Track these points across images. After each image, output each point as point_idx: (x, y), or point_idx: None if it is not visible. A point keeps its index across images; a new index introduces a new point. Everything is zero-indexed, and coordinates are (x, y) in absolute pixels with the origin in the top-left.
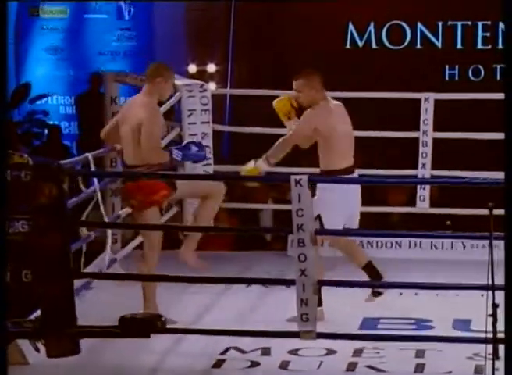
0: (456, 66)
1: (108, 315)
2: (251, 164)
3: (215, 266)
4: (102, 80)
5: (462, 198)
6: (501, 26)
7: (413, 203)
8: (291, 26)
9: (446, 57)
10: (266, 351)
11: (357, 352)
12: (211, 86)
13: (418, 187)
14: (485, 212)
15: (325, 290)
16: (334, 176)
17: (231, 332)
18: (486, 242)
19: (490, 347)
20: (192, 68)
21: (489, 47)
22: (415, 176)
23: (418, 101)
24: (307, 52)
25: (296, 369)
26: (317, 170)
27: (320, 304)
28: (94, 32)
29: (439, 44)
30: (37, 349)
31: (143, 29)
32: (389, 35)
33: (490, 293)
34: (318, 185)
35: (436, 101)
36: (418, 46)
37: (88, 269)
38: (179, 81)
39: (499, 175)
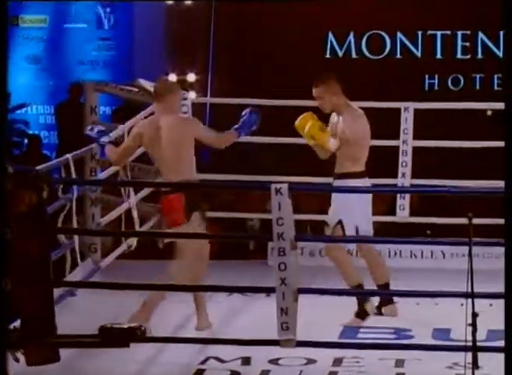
0: (436, 76)
1: (91, 324)
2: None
3: None
4: (82, 89)
5: (442, 207)
6: (480, 35)
7: (393, 212)
8: (271, 35)
9: (426, 66)
10: (246, 361)
11: (337, 362)
12: (192, 95)
13: (398, 196)
14: (464, 221)
15: (304, 298)
16: (314, 185)
17: (211, 341)
18: (466, 251)
19: (470, 356)
20: (172, 77)
21: (469, 56)
22: (395, 185)
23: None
24: (287, 62)
25: None
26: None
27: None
28: (74, 41)
29: (419, 54)
30: (17, 360)
31: (122, 38)
32: (368, 45)
33: (470, 302)
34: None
35: (416, 111)
36: (398, 55)
37: (70, 278)
38: None
39: (481, 183)
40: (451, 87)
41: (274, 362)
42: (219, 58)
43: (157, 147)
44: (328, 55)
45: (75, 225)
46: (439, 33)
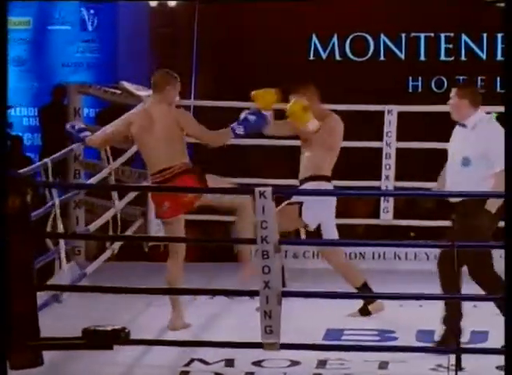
0: (420, 78)
1: (76, 327)
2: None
3: None
4: (65, 91)
5: (426, 210)
6: (464, 37)
7: (377, 215)
8: (254, 37)
9: (410, 68)
10: (230, 363)
11: (321, 364)
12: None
13: (382, 199)
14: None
15: (288, 301)
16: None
17: (195, 343)
18: None
19: (453, 358)
20: None
21: (452, 58)
22: (378, 188)
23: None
24: (270, 64)
25: None
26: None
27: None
28: (58, 43)
29: (402, 56)
30: None
31: (106, 40)
32: (352, 47)
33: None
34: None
35: (399, 113)
36: (382, 58)
37: (55, 282)
38: (144, 92)
39: None
40: (435, 89)
41: (258, 364)
42: (203, 60)
43: (148, 135)
44: (311, 57)
45: (60, 229)
46: (422, 35)
